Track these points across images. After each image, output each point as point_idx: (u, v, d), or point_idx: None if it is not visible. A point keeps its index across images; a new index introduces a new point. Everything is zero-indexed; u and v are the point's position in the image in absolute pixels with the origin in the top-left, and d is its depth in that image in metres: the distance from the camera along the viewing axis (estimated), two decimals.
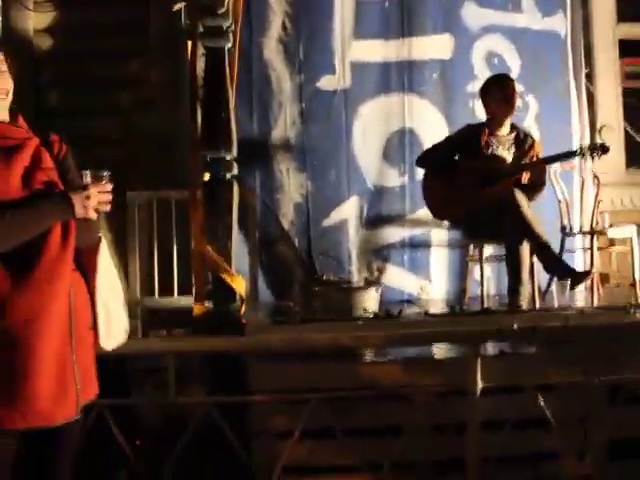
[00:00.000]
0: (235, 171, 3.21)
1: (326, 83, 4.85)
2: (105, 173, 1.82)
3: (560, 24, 5.15)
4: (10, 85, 1.82)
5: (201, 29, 3.32)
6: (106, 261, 1.88)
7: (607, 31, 5.56)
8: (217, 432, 2.64)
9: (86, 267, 1.84)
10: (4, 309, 1.66)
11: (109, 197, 1.80)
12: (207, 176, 3.20)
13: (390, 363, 2.75)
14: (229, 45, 3.33)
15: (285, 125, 4.82)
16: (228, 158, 3.16)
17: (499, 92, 3.90)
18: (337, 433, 2.67)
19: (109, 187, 1.81)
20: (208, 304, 3.08)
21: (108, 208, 1.82)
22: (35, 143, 1.81)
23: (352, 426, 2.75)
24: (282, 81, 4.83)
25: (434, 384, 2.67)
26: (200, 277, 3.06)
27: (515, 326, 2.48)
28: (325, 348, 2.63)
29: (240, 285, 2.98)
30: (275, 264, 4.73)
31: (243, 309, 3.04)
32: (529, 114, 4.98)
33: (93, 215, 1.78)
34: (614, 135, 5.44)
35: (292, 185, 4.78)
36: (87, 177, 1.81)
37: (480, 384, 2.55)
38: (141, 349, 2.65)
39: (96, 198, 1.77)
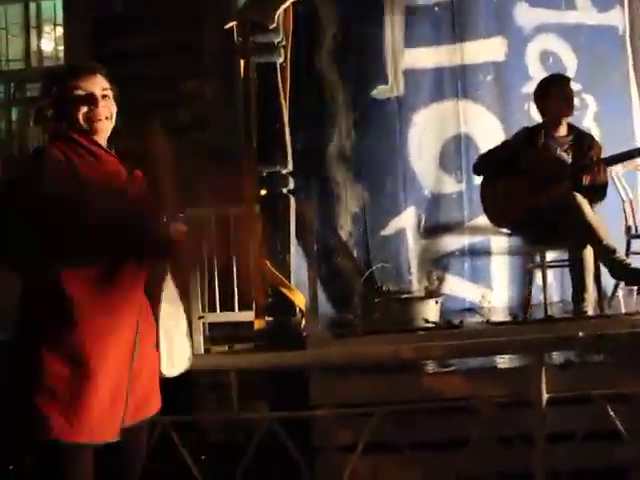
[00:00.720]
0: (291, 185, 3.24)
1: (379, 92, 4.85)
2: (181, 215, 1.90)
3: (618, 18, 5.01)
4: (114, 110, 1.88)
5: (253, 45, 3.36)
6: (170, 290, 1.93)
7: None
8: (280, 447, 2.65)
9: (151, 295, 1.89)
10: (76, 326, 1.72)
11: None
12: (264, 191, 3.23)
13: (453, 374, 2.71)
14: (281, 60, 3.37)
15: (340, 136, 4.84)
16: (284, 172, 3.19)
17: (555, 92, 3.82)
18: (401, 447, 2.64)
19: (184, 228, 1.89)
20: (269, 319, 3.11)
21: None
22: (125, 174, 1.86)
23: (416, 439, 2.72)
24: (335, 92, 4.85)
25: (499, 395, 2.62)
26: (260, 292, 3.09)
27: (580, 334, 2.41)
28: (386, 360, 2.61)
29: (299, 299, 3.00)
30: (334, 276, 4.73)
31: (303, 322, 3.05)
32: (588, 113, 4.86)
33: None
34: None
35: (349, 196, 4.79)
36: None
37: (545, 394, 2.48)
38: (203, 365, 2.68)
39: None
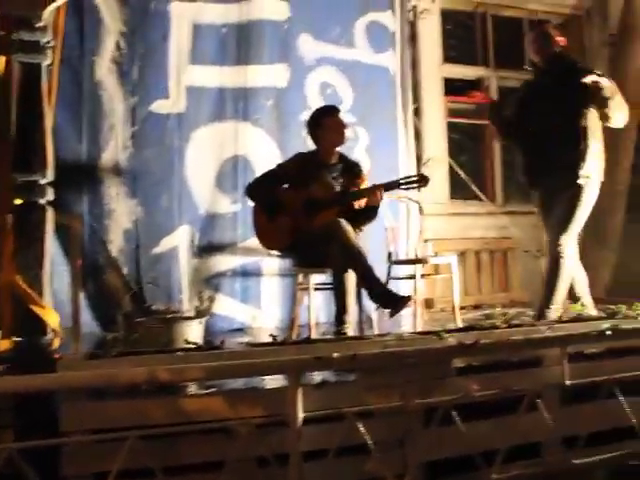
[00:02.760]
0: (50, 196, 3.02)
1: (160, 106, 4.74)
2: None
3: (390, 61, 5.42)
4: None
5: (16, 42, 3.12)
6: None
7: (433, 70, 5.93)
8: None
9: None
10: None
11: None
12: (19, 201, 2.99)
13: (211, 396, 2.67)
14: (48, 62, 3.16)
15: (116, 148, 4.66)
16: (42, 182, 2.98)
17: (327, 123, 3.99)
18: (157, 472, 2.54)
19: None
20: (17, 339, 2.86)
21: None
22: None
23: (173, 463, 2.63)
24: (114, 103, 4.66)
25: (256, 415, 2.62)
26: (7, 310, 2.83)
27: (335, 354, 2.50)
28: (141, 382, 2.50)
29: (52, 317, 2.79)
30: (102, 294, 4.51)
31: (56, 343, 2.85)
32: (359, 145, 5.17)
33: None
34: (439, 168, 5.78)
35: (122, 211, 4.61)
36: None
37: (301, 414, 2.53)
38: None
39: None
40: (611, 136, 6.18)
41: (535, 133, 4.00)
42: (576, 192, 3.89)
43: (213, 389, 2.78)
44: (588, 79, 3.85)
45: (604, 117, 3.93)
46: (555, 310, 3.83)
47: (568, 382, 2.88)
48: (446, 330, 2.93)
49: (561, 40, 4.11)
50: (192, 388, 2.82)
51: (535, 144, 4.02)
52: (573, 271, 4.03)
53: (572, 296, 4.13)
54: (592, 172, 3.92)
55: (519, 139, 4.17)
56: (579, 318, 3.53)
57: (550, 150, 3.95)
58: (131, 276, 4.55)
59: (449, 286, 4.33)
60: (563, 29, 6.91)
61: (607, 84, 3.93)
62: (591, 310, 4.00)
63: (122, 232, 4.58)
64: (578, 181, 3.88)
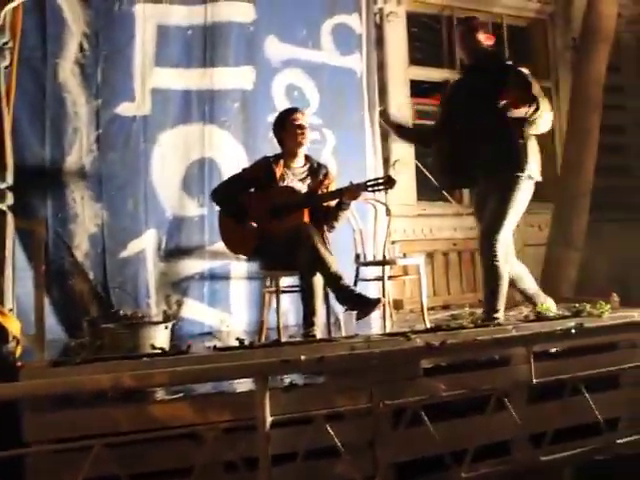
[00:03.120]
0: (9, 200, 2.96)
1: (125, 109, 4.68)
2: None
3: (357, 63, 5.43)
4: None
5: None
6: None
7: (399, 72, 5.94)
8: None
9: None
10: None
11: None
12: None
13: (178, 401, 2.64)
14: (5, 63, 3.09)
15: (80, 151, 4.58)
16: (1, 186, 2.91)
17: (290, 125, 3.98)
18: (124, 479, 2.51)
19: None
20: None
21: None
22: None
23: (140, 470, 2.61)
24: (78, 105, 4.59)
25: (224, 420, 2.61)
26: None
27: (302, 357, 2.49)
28: (108, 389, 2.46)
29: (14, 325, 2.73)
30: (68, 299, 4.43)
31: (19, 351, 2.79)
32: (327, 147, 5.17)
33: None
34: (406, 170, 5.80)
35: (87, 215, 4.53)
36: None
37: (270, 417, 2.52)
38: None
39: None
40: (575, 137, 6.35)
41: (465, 132, 3.91)
42: (509, 190, 3.81)
43: (180, 394, 2.75)
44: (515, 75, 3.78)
45: (531, 119, 3.81)
46: (501, 314, 3.75)
47: (534, 381, 2.91)
48: (413, 331, 2.94)
49: (488, 37, 4.06)
50: (159, 394, 2.79)
51: (465, 144, 3.91)
52: (512, 269, 3.95)
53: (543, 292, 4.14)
54: (531, 171, 3.86)
55: (447, 140, 4.03)
56: (544, 317, 3.57)
57: (481, 149, 3.86)
58: (97, 281, 4.47)
59: (417, 287, 4.34)
60: (528, 32, 7.06)
61: (535, 85, 3.87)
62: (541, 299, 3.98)
63: (87, 236, 4.50)
64: (514, 179, 3.81)
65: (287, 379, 2.87)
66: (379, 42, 5.76)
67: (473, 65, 4.05)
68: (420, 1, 6.18)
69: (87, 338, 3.38)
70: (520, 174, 3.83)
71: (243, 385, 2.86)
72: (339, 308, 3.90)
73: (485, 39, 4.03)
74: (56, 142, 4.53)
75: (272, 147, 4.58)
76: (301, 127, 3.96)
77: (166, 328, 3.00)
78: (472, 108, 3.89)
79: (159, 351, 2.70)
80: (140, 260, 4.58)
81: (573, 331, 2.99)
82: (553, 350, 3.22)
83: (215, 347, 2.78)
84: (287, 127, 3.98)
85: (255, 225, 3.84)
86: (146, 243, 4.60)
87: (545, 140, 6.99)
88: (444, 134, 4.07)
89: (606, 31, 6.27)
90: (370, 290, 4.51)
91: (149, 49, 4.78)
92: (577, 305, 3.63)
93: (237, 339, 2.84)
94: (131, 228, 4.58)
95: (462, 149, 3.94)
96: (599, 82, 6.28)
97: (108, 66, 4.66)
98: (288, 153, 4.01)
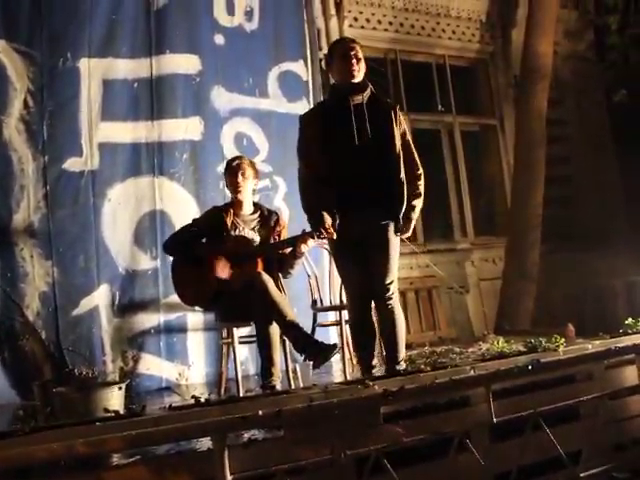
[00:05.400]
0: None
1: (72, 164, 4.63)
2: None
3: (304, 109, 5.47)
4: None
5: None
6: None
7: None
8: None
9: None
10: None
11: None
12: None
13: (135, 465, 2.56)
14: None
15: (28, 209, 4.51)
16: None
17: (230, 172, 3.99)
18: None
19: None
20: None
21: None
22: None
23: None
24: (24, 163, 4.54)
25: None
26: None
27: (260, 412, 2.45)
28: (61, 458, 2.37)
29: None
30: (20, 361, 4.32)
31: None
32: (278, 194, 5.19)
33: None
34: None
35: (37, 273, 4.45)
36: None
37: (230, 476, 2.46)
38: None
39: None
40: (522, 171, 6.51)
41: (345, 159, 3.53)
42: (395, 231, 3.53)
43: (137, 457, 2.67)
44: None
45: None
46: (404, 361, 3.63)
47: (495, 420, 2.91)
48: (371, 378, 2.92)
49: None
50: (115, 459, 2.70)
51: (346, 171, 3.51)
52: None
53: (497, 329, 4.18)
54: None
55: (323, 166, 3.58)
56: (501, 355, 3.59)
57: (366, 178, 3.50)
58: (50, 340, 4.37)
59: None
60: (471, 72, 7.27)
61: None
62: None
63: (38, 295, 4.41)
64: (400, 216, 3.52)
65: (246, 435, 2.81)
66: (325, 88, 5.84)
67: (351, 87, 3.78)
68: (365, 46, 6.29)
69: (38, 402, 3.27)
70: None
71: (202, 444, 2.79)
72: (298, 356, 3.86)
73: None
74: (2, 200, 4.47)
75: (223, 196, 4.59)
76: (235, 176, 3.98)
77: (120, 389, 2.93)
78: (357, 133, 3.60)
79: (112, 414, 2.63)
80: (93, 317, 4.49)
81: (530, 367, 3.01)
82: (512, 386, 3.23)
83: (170, 406, 2.71)
84: (225, 178, 4.05)
85: (208, 275, 3.79)
86: (99, 299, 4.52)
87: (495, 175, 7.22)
88: (321, 161, 3.65)
89: (544, 68, 6.51)
90: (330, 334, 4.50)
91: (95, 103, 4.76)
92: (532, 341, 3.66)
93: (193, 396, 2.78)
94: (83, 285, 4.51)
95: (345, 178, 3.54)
96: (541, 116, 6.49)
97: (54, 122, 4.63)
98: (237, 201, 3.99)
